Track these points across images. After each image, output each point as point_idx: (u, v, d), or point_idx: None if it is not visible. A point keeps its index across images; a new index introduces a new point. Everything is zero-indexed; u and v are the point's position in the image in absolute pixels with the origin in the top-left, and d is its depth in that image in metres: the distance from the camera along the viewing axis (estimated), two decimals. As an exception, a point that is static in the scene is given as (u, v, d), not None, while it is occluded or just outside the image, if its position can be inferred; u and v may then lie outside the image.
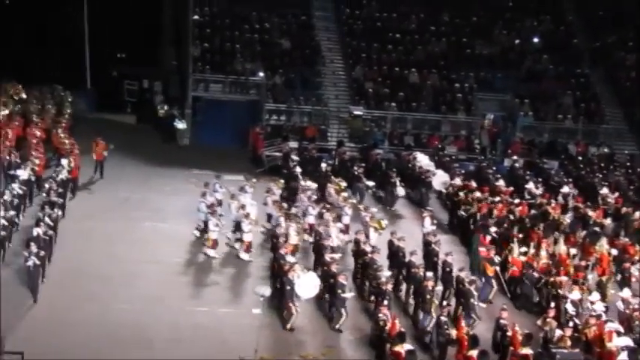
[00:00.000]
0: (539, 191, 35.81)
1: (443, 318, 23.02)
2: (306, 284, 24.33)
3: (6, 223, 26.94)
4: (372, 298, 25.27)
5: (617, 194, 36.16)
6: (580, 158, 42.36)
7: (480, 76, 46.62)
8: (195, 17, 46.85)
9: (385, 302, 23.86)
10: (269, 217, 31.06)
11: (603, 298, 26.08)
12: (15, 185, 30.10)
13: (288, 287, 24.20)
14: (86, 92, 49.72)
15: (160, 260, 28.23)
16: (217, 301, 25.90)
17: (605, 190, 36.17)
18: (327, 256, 26.26)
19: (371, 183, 35.99)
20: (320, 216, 30.12)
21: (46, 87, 46.36)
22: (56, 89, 46.15)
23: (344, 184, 34.56)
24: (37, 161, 33.34)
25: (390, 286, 24.67)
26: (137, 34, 50.53)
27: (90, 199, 33.82)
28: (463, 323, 22.90)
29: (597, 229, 31.26)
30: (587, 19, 50.39)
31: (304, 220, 30.48)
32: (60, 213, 29.36)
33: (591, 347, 22.80)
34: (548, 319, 23.67)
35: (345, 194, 33.15)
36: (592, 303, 24.75)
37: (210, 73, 44.69)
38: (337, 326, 24.37)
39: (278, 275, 25.94)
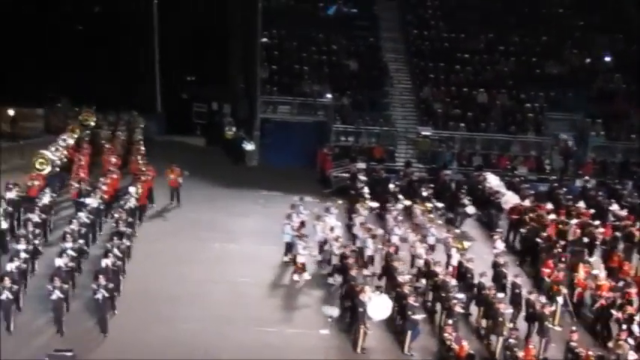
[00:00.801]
0: (623, 213, 34.95)
1: (512, 340, 22.65)
2: (378, 306, 24.17)
3: (74, 254, 26.57)
4: (444, 319, 24.90)
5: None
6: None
7: (549, 95, 46.04)
8: (264, 40, 47.12)
9: (450, 321, 23.68)
10: (354, 237, 31.09)
11: None
12: (82, 214, 29.84)
13: (360, 309, 24.06)
14: (156, 115, 50.33)
15: (229, 280, 28.40)
16: (285, 321, 25.92)
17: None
18: (399, 278, 26.02)
19: (440, 204, 35.64)
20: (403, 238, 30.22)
21: (123, 113, 47.32)
22: (132, 115, 46.94)
23: (430, 205, 34.32)
24: (104, 187, 33.14)
25: (460, 308, 24.38)
26: (206, 57, 50.97)
27: (159, 221, 34.17)
28: (531, 346, 22.51)
29: None
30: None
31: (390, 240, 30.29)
32: (128, 243, 28.83)
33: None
34: (620, 342, 23.15)
35: (431, 215, 32.90)
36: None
37: (278, 95, 44.92)
38: (406, 350, 24.09)
39: (349, 296, 25.78)
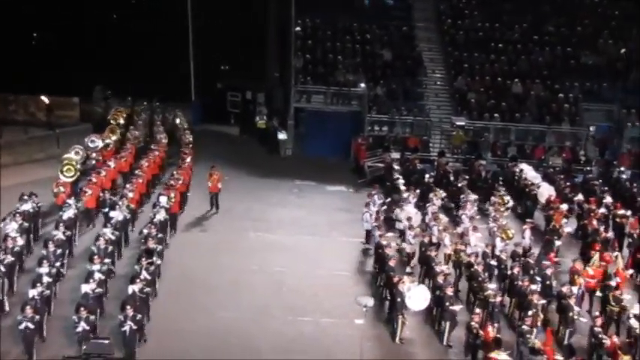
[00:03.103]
0: None
1: (525, 327, 22.59)
2: (416, 296, 24.21)
3: (102, 277, 24.02)
4: (477, 310, 24.86)
5: None
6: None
7: (585, 86, 45.73)
8: (298, 29, 47.23)
9: (457, 308, 23.86)
10: (426, 226, 31.24)
11: None
12: (107, 230, 27.06)
13: (399, 299, 24.14)
14: (191, 104, 50.60)
15: (265, 270, 28.55)
16: (320, 310, 25.97)
17: None
18: (437, 268, 26.05)
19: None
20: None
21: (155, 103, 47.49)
22: (167, 110, 47.12)
23: (507, 198, 34.21)
24: (130, 195, 30.71)
25: (498, 299, 24.40)
26: (240, 46, 51.14)
27: (195, 210, 34.28)
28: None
29: None
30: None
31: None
32: (159, 262, 26.05)
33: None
34: None
35: (503, 209, 32.89)
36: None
37: (312, 85, 44.99)
38: (445, 342, 24.14)
39: (387, 287, 25.88)
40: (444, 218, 31.15)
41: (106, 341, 20.59)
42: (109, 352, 20.15)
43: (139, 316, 22.01)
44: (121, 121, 43.55)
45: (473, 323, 22.96)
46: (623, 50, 47.75)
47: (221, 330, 24.08)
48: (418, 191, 34.44)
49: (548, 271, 26.35)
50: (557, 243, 29.58)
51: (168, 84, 48.29)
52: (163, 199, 30.18)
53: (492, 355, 21.16)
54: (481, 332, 22.57)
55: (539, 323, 23.82)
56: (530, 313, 23.50)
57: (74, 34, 50.07)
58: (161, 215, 29.01)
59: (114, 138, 39.60)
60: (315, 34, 47.69)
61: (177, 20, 50.62)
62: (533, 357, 21.76)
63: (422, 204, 33.55)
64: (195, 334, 23.67)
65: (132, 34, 50.43)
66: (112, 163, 35.06)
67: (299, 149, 44.46)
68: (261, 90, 50.17)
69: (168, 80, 48.81)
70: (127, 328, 21.66)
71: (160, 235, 27.36)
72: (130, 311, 21.72)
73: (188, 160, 36.57)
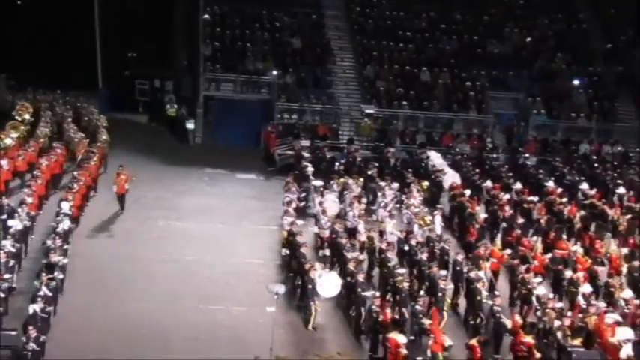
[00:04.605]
0: (592, 192, 35.26)
1: (418, 307, 22.90)
2: (327, 283, 24.26)
3: (2, 295, 22.45)
4: (389, 296, 25.06)
5: (631, 193, 36.02)
6: (594, 157, 42.21)
7: (492, 74, 46.48)
8: (206, 16, 46.77)
9: (369, 293, 23.93)
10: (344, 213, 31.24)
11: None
12: (7, 242, 24.92)
13: (310, 286, 24.17)
14: (98, 92, 49.78)
15: (175, 259, 28.30)
16: (232, 298, 25.86)
17: (621, 190, 35.95)
18: (348, 255, 26.16)
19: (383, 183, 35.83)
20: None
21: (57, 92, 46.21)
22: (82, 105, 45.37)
23: (425, 183, 34.67)
24: (29, 200, 28.44)
25: (406, 285, 24.60)
26: (148, 33, 50.53)
27: (104, 199, 33.72)
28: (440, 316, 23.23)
29: None
30: (600, 17, 50.26)
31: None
32: (62, 276, 24.40)
33: (593, 337, 22.69)
34: (547, 310, 23.55)
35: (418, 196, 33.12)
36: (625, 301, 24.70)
37: (221, 73, 44.62)
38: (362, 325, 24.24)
39: (298, 273, 25.90)
40: (361, 205, 31.29)
41: (14, 332, 20.24)
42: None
43: (42, 338, 20.64)
44: (27, 117, 41.26)
45: (373, 307, 23.11)
46: (528, 39, 48.66)
47: (132, 320, 23.74)
48: (341, 180, 34.43)
49: (459, 257, 26.71)
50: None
51: (74, 72, 47.40)
52: (65, 206, 28.30)
53: (391, 335, 21.42)
54: (380, 316, 22.74)
55: (446, 307, 24.28)
56: (422, 293, 23.95)
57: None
58: (65, 224, 26.97)
59: (15, 135, 37.22)
60: (224, 22, 47.25)
61: (83, 7, 49.75)
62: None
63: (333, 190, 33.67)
64: (106, 325, 23.30)
65: (37, 21, 49.37)
66: (4, 163, 32.27)
67: (209, 137, 44.07)
68: (169, 78, 49.66)
69: (74, 68, 47.93)
70: (30, 350, 20.19)
71: (65, 247, 25.69)
72: (32, 332, 20.33)
73: (95, 159, 35.02)
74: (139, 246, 29.19)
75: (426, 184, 34.73)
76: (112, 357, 21.72)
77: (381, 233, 29.19)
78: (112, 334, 22.89)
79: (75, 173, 32.77)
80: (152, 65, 50.72)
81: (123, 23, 50.50)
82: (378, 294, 24.32)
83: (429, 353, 21.58)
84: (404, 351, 20.92)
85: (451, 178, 35.79)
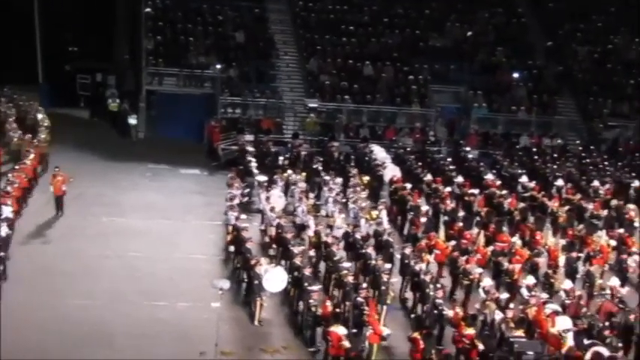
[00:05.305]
0: (532, 184, 35.89)
1: (359, 299, 23.07)
2: (273, 278, 24.23)
3: None
4: (334, 290, 25.16)
5: (569, 185, 36.65)
6: (534, 149, 42.85)
7: (434, 68, 46.86)
8: (148, 10, 46.42)
9: (315, 288, 23.86)
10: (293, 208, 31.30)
11: (592, 287, 26.27)
12: None
13: (256, 281, 24.17)
14: (39, 87, 49.14)
15: (119, 255, 28.08)
16: (176, 294, 25.66)
17: (560, 182, 36.57)
18: (295, 250, 26.20)
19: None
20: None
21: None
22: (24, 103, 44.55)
23: (366, 178, 34.84)
24: None
25: (350, 278, 24.72)
26: (90, 27, 49.97)
27: (45, 195, 33.29)
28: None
29: (595, 220, 31.89)
30: (540, 11, 50.93)
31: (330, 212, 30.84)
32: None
33: (533, 328, 23.05)
34: (487, 302, 23.86)
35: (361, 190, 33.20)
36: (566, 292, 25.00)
37: (164, 67, 44.36)
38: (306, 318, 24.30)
39: (244, 269, 25.87)
40: (309, 200, 31.38)
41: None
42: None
43: None
44: None
45: (311, 301, 23.21)
46: (469, 33, 49.12)
47: (73, 317, 23.42)
48: (285, 175, 34.42)
49: (407, 250, 26.93)
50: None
51: (13, 66, 46.71)
52: (6, 210, 27.27)
53: (332, 329, 21.55)
54: (319, 309, 22.84)
55: (389, 300, 24.45)
56: (364, 285, 24.00)
57: None
58: (3, 230, 25.98)
59: None
60: (166, 16, 47.00)
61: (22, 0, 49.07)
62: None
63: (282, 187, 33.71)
64: (46, 324, 22.92)
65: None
66: None
67: (152, 132, 43.81)
68: (111, 72, 49.22)
69: (13, 62, 47.24)
70: None
71: (2, 254, 24.99)
72: None
73: (30, 158, 33.99)
74: (81, 243, 28.87)
75: (366, 178, 34.90)
76: (51, 356, 21.34)
77: (331, 228, 29.28)
78: (51, 332, 22.52)
79: (9, 175, 31.47)
80: (94, 59, 50.19)
81: (64, 17, 49.87)
82: (317, 288, 24.45)
83: (366, 344, 21.78)
84: (346, 344, 21.05)
85: (391, 171, 36.10)
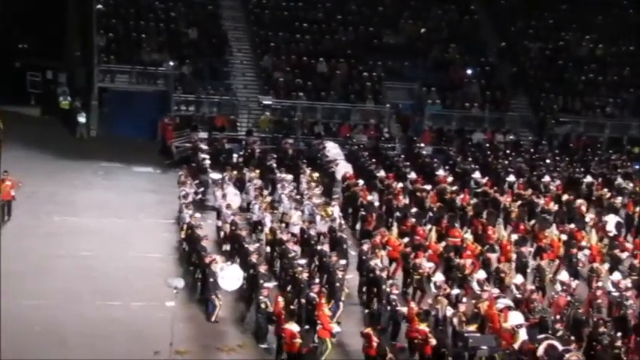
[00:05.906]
0: (484, 180, 36.19)
1: (312, 294, 23.13)
2: (229, 276, 24.21)
3: None
4: (290, 287, 25.15)
5: (521, 180, 37.01)
6: (487, 145, 43.21)
7: (387, 65, 46.99)
8: (99, 6, 45.98)
9: (270, 285, 23.88)
10: (248, 205, 31.26)
11: (543, 282, 26.63)
12: None
13: (211, 279, 24.06)
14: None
15: (71, 254, 27.81)
16: (130, 294, 25.54)
17: (512, 177, 36.91)
18: (250, 247, 26.14)
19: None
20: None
21: None
22: None
23: (316, 175, 34.80)
24: None
25: (305, 275, 24.73)
26: (40, 23, 49.33)
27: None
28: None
29: (546, 215, 32.15)
30: (492, 8, 51.36)
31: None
32: None
33: (485, 323, 23.27)
34: (439, 298, 24.03)
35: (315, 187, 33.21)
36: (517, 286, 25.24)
37: (116, 64, 43.96)
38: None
39: (199, 267, 25.74)
40: (266, 197, 31.33)
41: None
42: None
43: None
44: None
45: (261, 297, 23.21)
46: (422, 30, 49.35)
47: (25, 318, 23.10)
48: (234, 173, 34.31)
49: (365, 247, 26.98)
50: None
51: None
52: None
53: (286, 326, 21.61)
54: (270, 307, 22.88)
55: (343, 297, 24.48)
56: (316, 280, 24.19)
57: None
58: None
59: None
60: (118, 12, 46.52)
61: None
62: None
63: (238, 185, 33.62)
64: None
65: None
66: None
67: (104, 130, 43.40)
68: (62, 69, 48.65)
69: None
70: None
71: None
72: None
73: None
74: (32, 241, 28.51)
75: (316, 175, 34.91)
76: (3, 357, 20.98)
77: (287, 225, 29.25)
78: (3, 333, 21.82)
79: None
80: (44, 56, 49.54)
81: (13, 13, 49.21)
82: (271, 285, 24.41)
83: (316, 339, 21.87)
84: (299, 340, 21.12)
85: (343, 168, 36.22)
